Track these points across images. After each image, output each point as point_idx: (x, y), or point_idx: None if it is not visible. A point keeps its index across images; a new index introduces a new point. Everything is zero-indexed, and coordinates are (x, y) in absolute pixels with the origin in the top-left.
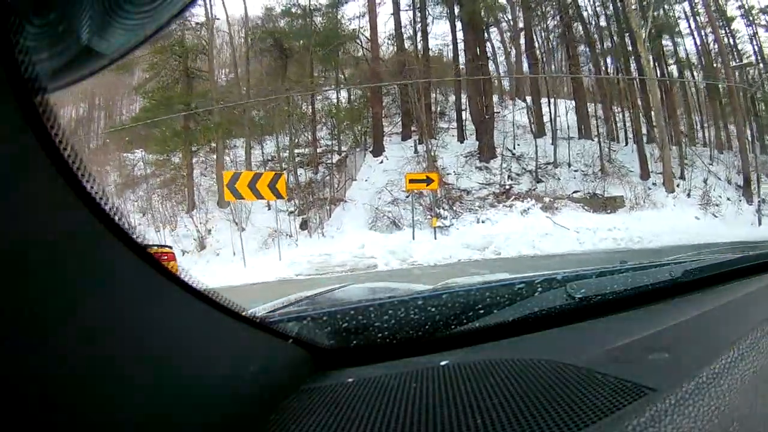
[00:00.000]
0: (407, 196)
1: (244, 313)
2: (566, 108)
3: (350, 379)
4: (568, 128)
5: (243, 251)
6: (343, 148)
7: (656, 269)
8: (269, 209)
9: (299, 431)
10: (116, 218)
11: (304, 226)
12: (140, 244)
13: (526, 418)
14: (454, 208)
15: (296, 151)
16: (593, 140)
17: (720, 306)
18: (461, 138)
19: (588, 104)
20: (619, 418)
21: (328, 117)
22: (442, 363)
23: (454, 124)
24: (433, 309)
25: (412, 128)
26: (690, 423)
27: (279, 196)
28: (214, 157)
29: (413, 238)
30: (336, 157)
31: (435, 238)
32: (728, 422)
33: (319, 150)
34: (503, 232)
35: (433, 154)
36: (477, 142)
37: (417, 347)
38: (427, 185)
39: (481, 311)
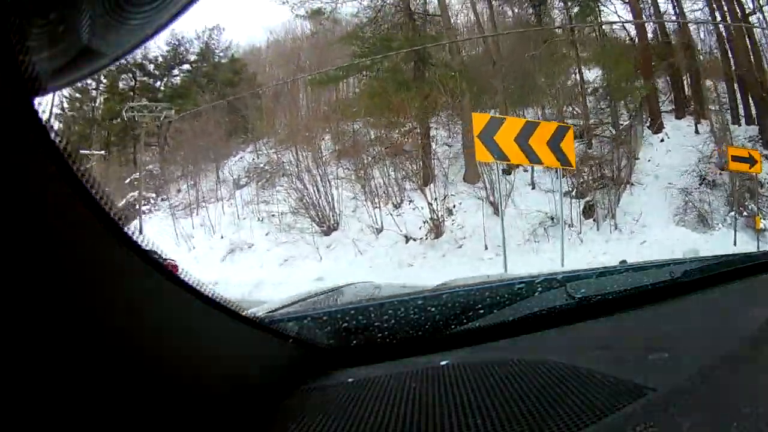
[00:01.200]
0: (703, 183)
1: (244, 313)
2: None
3: (350, 379)
4: None
5: (504, 245)
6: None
7: (656, 269)
8: (533, 188)
9: (299, 431)
10: (116, 218)
11: (589, 212)
12: (140, 245)
13: (525, 418)
14: (758, 204)
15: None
16: None
17: (720, 306)
18: (735, 120)
19: None
20: (619, 418)
21: (595, 78)
22: (442, 363)
23: (724, 107)
24: (433, 309)
25: (685, 107)
26: (690, 423)
27: (566, 162)
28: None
29: (735, 244)
30: (612, 131)
31: (758, 247)
32: (728, 422)
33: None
34: None
35: (726, 133)
36: (755, 126)
37: (417, 347)
38: (750, 166)
39: (481, 311)
